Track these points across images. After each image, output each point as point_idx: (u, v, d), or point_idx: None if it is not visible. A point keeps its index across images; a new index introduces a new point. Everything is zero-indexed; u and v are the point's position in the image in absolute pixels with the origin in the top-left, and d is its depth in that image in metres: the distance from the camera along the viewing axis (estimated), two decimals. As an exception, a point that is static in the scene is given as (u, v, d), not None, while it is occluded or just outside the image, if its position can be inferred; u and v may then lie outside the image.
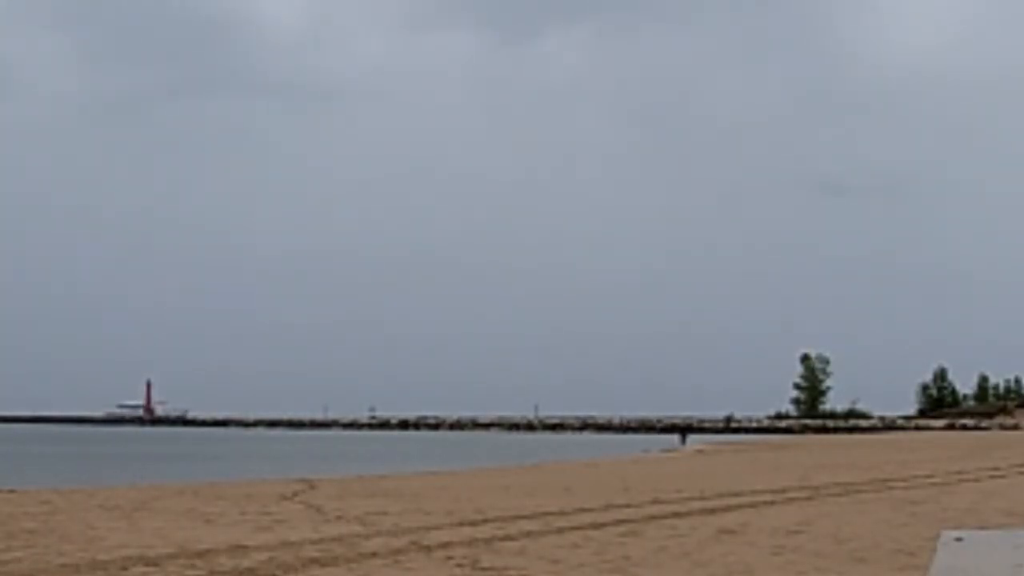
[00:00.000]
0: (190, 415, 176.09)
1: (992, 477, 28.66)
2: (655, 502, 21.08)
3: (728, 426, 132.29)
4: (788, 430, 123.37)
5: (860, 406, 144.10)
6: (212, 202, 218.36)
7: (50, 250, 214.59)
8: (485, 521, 17.05)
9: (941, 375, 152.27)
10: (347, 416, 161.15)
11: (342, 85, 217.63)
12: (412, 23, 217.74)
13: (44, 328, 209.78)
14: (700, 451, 65.20)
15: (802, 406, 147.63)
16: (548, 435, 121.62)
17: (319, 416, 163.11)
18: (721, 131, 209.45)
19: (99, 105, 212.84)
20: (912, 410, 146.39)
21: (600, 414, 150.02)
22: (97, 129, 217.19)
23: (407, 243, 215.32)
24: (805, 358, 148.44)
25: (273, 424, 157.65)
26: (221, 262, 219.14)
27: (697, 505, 20.10)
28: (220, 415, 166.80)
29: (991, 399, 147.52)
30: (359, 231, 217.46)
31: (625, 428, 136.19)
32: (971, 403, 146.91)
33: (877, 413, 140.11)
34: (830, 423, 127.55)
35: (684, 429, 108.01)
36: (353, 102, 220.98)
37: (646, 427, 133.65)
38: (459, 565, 12.24)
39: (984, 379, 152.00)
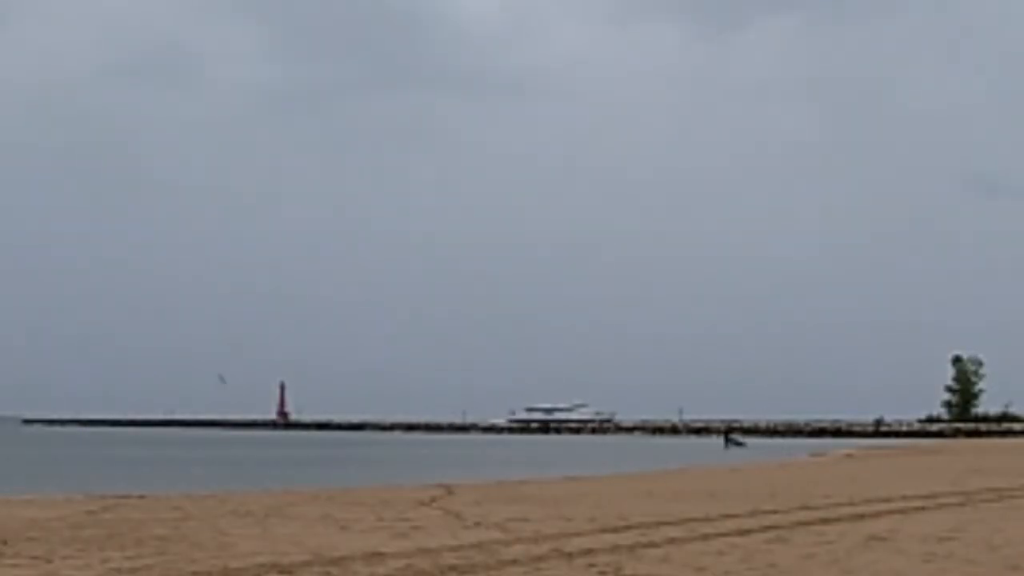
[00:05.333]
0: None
1: None
2: (803, 508, 20.73)
3: (878, 429, 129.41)
4: (939, 434, 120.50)
5: (1014, 409, 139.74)
6: (392, 196, 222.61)
7: (228, 238, 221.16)
8: (628, 527, 16.83)
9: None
10: (485, 419, 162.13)
11: (537, 78, 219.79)
12: (612, 15, 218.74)
13: (192, 327, 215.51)
14: (849, 456, 63.77)
15: (954, 409, 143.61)
16: (692, 439, 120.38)
17: (457, 419, 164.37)
18: (903, 128, 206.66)
19: (287, 96, 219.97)
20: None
21: (744, 417, 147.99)
22: (282, 120, 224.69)
23: (559, 238, 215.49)
24: (957, 360, 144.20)
25: (410, 428, 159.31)
26: (391, 257, 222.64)
27: (846, 511, 19.75)
28: (356, 419, 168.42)
29: None
30: (518, 225, 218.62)
31: (772, 432, 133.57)
32: None
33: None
34: (983, 427, 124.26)
35: (728, 431, 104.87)
36: (549, 95, 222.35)
37: (793, 431, 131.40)
38: (601, 572, 12.06)
39: None
